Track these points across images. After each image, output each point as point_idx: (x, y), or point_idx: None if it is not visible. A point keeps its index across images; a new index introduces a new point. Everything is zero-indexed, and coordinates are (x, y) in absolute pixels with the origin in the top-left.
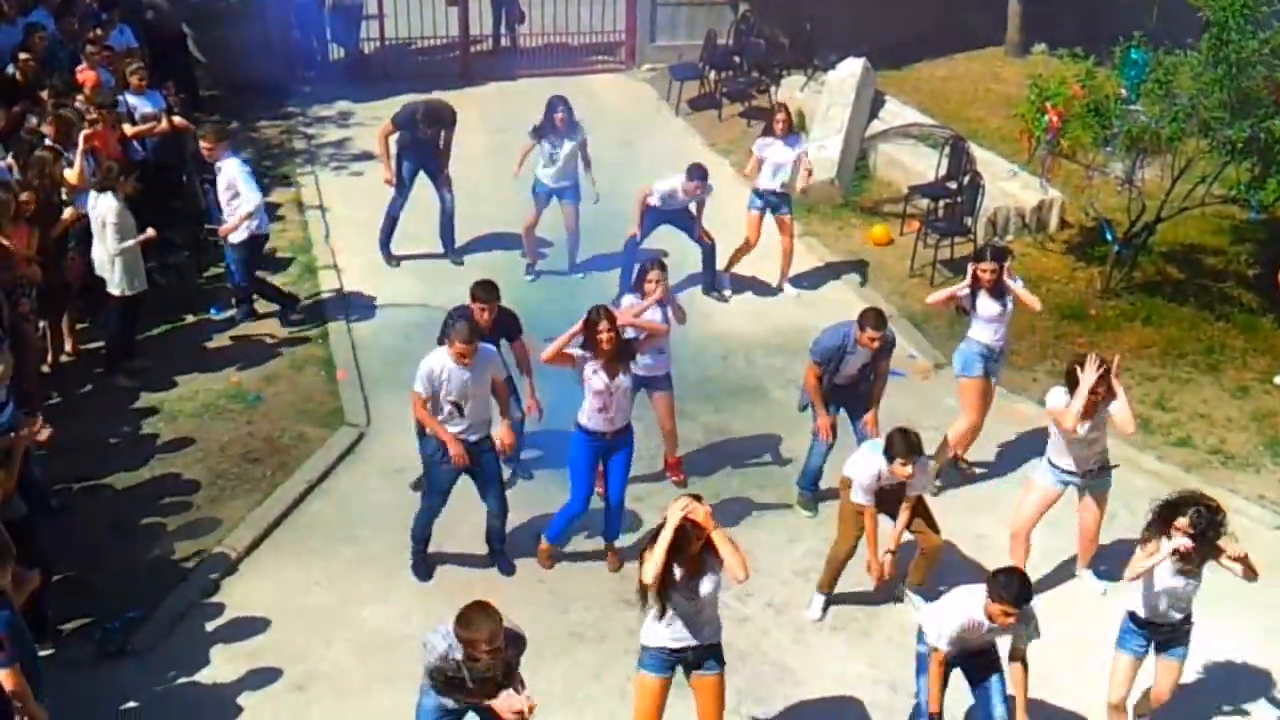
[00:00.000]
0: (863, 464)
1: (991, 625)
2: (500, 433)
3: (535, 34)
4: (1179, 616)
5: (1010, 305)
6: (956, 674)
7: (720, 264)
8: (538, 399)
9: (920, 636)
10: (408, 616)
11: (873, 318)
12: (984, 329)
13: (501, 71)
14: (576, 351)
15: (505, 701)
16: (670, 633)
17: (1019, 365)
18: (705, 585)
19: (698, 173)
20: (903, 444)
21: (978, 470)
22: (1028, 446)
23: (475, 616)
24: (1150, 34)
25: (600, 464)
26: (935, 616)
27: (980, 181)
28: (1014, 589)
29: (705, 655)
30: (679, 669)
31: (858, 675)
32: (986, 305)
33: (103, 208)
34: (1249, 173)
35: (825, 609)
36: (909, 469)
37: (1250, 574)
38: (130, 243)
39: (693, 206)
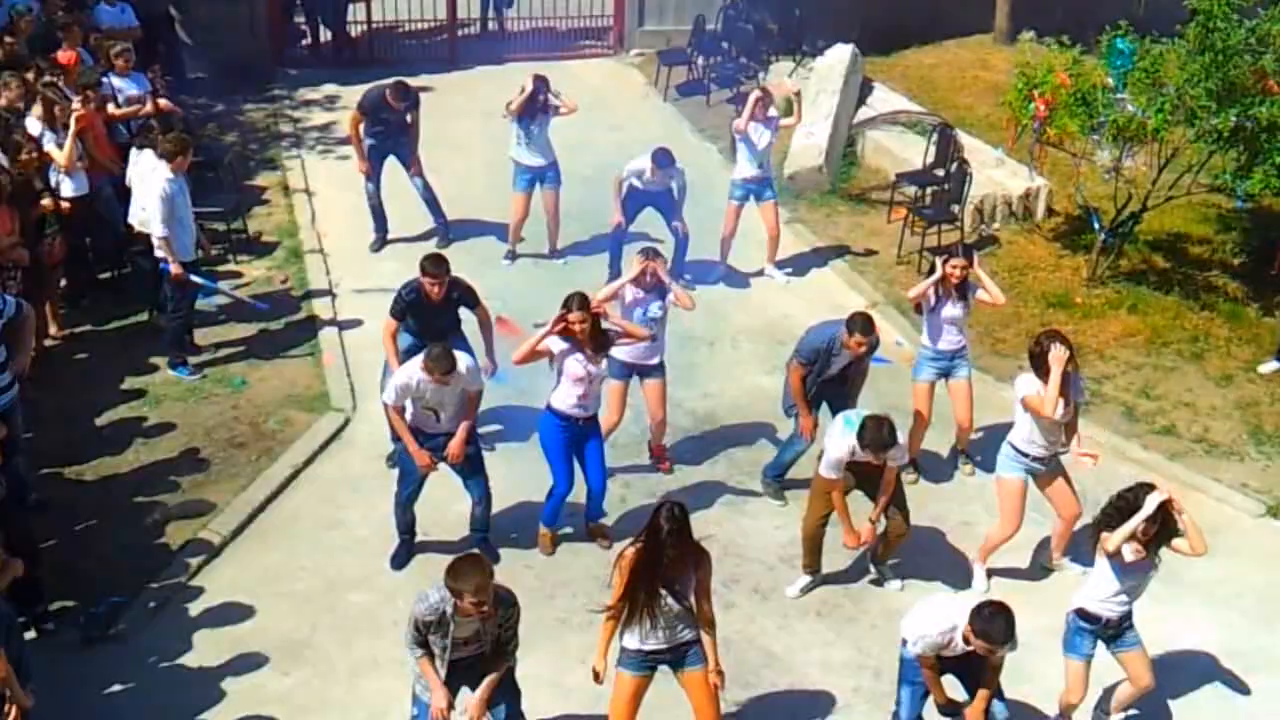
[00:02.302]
0: (835, 441)
1: (965, 646)
2: (453, 443)
3: (523, 18)
4: (1127, 609)
5: (969, 308)
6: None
7: (702, 255)
8: (494, 360)
9: (902, 641)
10: (393, 601)
11: (861, 323)
12: (937, 332)
13: (489, 56)
14: (556, 345)
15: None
16: (647, 637)
17: (1003, 353)
18: (679, 592)
19: (663, 159)
20: (874, 436)
21: (964, 461)
22: None
23: (465, 566)
24: (1136, 23)
25: (575, 449)
26: (916, 624)
27: (967, 169)
28: (999, 631)
29: (686, 651)
30: (662, 668)
31: (843, 661)
32: (946, 307)
33: (145, 164)
34: (1235, 162)
35: (807, 589)
36: (879, 460)
37: (1197, 544)
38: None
39: (674, 189)
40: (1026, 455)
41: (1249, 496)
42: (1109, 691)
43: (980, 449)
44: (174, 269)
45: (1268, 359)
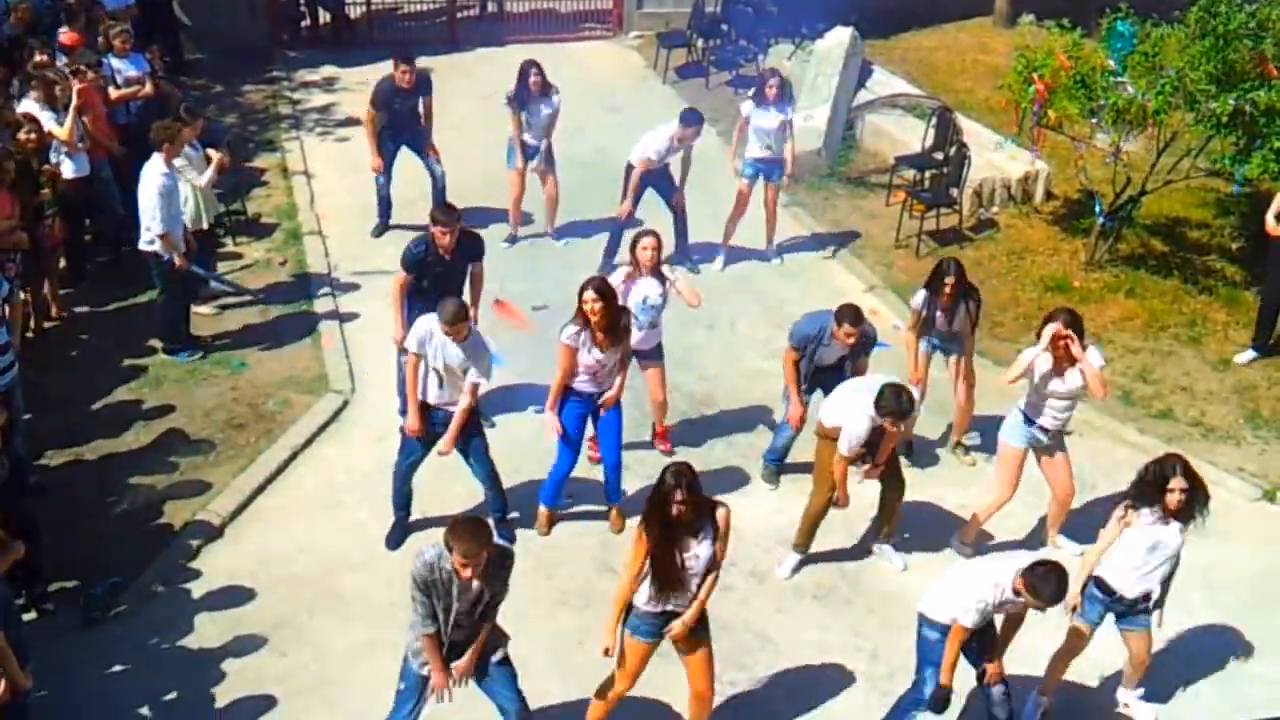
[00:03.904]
0: (856, 416)
1: (1014, 602)
2: (446, 436)
3: (523, 0)
4: (1145, 590)
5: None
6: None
7: (703, 237)
8: (476, 314)
9: (924, 623)
10: (391, 583)
11: (850, 313)
12: (928, 326)
13: (489, 38)
14: (570, 339)
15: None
16: (665, 600)
17: (1002, 337)
18: (699, 551)
19: (693, 117)
20: (894, 404)
21: (962, 451)
22: None
23: (462, 526)
24: (1137, 6)
25: (591, 425)
26: (966, 596)
27: (966, 152)
28: (1050, 590)
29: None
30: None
31: (839, 644)
32: (938, 319)
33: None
34: (1234, 146)
35: (796, 569)
36: (895, 428)
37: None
38: (209, 175)
39: (675, 171)
40: (1033, 423)
41: (1245, 480)
42: (1112, 679)
43: (976, 426)
44: (178, 261)
45: (1244, 350)
